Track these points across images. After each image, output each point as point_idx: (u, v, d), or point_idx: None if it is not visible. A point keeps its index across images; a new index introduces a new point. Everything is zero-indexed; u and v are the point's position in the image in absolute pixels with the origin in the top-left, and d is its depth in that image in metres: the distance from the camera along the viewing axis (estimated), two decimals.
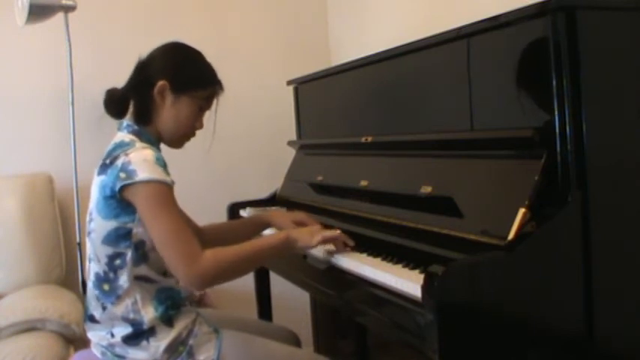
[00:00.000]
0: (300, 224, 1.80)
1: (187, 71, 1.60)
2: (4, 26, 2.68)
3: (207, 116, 1.66)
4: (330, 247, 1.64)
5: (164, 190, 1.44)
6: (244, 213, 2.36)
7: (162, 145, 1.63)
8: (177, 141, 1.63)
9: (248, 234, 1.90)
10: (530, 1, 1.34)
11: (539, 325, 1.24)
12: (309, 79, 2.44)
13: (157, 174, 1.43)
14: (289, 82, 2.59)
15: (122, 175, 1.42)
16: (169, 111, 1.57)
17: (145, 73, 1.58)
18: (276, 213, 1.93)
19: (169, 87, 1.56)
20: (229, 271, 1.50)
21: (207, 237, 1.76)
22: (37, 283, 2.52)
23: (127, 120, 1.59)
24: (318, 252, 1.66)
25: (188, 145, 1.69)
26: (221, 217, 2.41)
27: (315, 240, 1.58)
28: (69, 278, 2.64)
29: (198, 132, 1.66)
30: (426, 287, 1.19)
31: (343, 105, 2.22)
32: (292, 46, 3.17)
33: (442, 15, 2.30)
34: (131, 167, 1.42)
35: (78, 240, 2.57)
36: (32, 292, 2.42)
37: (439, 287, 1.15)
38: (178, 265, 1.43)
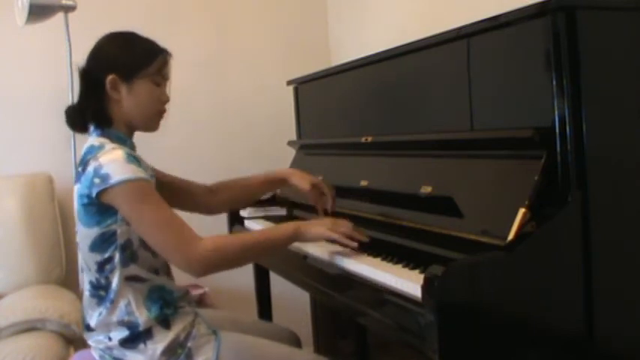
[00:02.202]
0: (317, 188, 1.84)
1: (129, 55, 1.55)
2: (4, 26, 2.68)
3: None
4: (336, 247, 1.63)
5: (142, 185, 1.42)
6: (244, 213, 2.36)
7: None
8: (150, 124, 1.58)
9: (263, 191, 1.94)
10: (530, 1, 1.34)
11: (539, 325, 1.24)
12: (309, 79, 2.44)
13: (131, 172, 1.41)
14: (289, 82, 2.59)
15: (96, 180, 1.40)
16: (128, 100, 1.52)
17: (90, 77, 1.54)
18: (295, 172, 1.89)
19: (119, 78, 1.52)
20: (230, 260, 1.49)
21: (219, 195, 1.81)
22: (37, 283, 2.52)
23: (92, 125, 1.55)
24: (323, 254, 1.65)
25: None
26: (221, 216, 2.40)
27: (329, 234, 1.54)
28: (69, 278, 2.64)
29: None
30: (426, 287, 1.19)
31: (343, 105, 2.22)
32: (292, 46, 3.17)
33: (442, 15, 2.30)
34: (103, 171, 1.40)
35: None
36: (32, 292, 2.42)
37: (439, 287, 1.15)
38: (174, 250, 1.41)
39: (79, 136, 2.57)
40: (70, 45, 2.55)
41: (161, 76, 1.57)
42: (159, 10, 2.95)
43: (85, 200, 1.43)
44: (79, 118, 1.56)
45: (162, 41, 1.65)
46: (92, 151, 1.46)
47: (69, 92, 2.57)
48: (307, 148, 2.44)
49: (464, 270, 1.19)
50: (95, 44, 1.59)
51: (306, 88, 2.53)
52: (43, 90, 2.77)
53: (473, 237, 1.36)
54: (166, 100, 1.59)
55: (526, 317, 1.23)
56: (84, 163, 1.45)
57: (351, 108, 2.17)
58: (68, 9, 2.52)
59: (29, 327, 2.19)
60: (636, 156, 1.36)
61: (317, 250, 1.68)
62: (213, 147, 3.01)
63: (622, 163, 1.34)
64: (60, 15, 2.53)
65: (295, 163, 2.46)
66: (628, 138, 1.35)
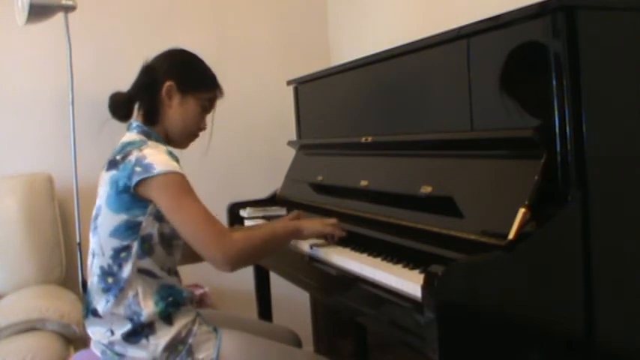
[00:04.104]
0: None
1: (192, 72, 1.66)
2: (4, 26, 2.68)
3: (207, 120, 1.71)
4: (319, 240, 1.70)
5: (182, 179, 1.49)
6: (244, 213, 2.36)
7: None
8: (184, 140, 1.68)
9: None
10: (530, 1, 1.34)
11: (539, 325, 1.24)
12: (309, 79, 2.44)
13: (172, 166, 1.48)
14: (289, 82, 2.59)
15: (138, 169, 1.45)
16: (176, 110, 1.62)
17: (152, 75, 1.63)
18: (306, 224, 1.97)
19: (176, 87, 1.61)
20: (257, 252, 1.58)
21: None
22: (37, 283, 2.52)
23: (135, 121, 1.62)
24: (323, 254, 1.66)
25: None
26: (221, 217, 2.40)
27: (324, 229, 1.68)
28: (69, 278, 2.64)
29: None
30: (426, 287, 1.19)
31: (343, 105, 2.22)
32: (292, 46, 3.17)
33: (442, 15, 2.30)
34: (147, 161, 1.46)
35: (78, 240, 2.57)
36: (32, 292, 2.42)
37: (439, 287, 1.15)
38: (212, 245, 1.46)
39: (79, 136, 2.59)
40: (70, 45, 2.55)
41: (209, 105, 1.68)
42: (159, 10, 2.95)
43: (121, 187, 1.47)
44: (125, 107, 1.62)
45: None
46: (135, 144, 1.52)
47: (69, 92, 2.58)
48: (307, 148, 2.44)
49: (464, 270, 1.19)
50: (167, 51, 1.67)
51: (306, 88, 2.53)
52: (43, 90, 2.77)
53: (473, 237, 1.36)
54: (204, 128, 1.70)
55: (526, 317, 1.24)
56: (124, 153, 1.50)
57: (351, 108, 2.17)
58: (68, 9, 2.52)
59: (29, 327, 2.19)
60: (636, 156, 1.35)
61: (317, 251, 1.68)
62: (213, 147, 3.00)
63: (622, 163, 1.34)
64: (60, 15, 2.53)
65: (295, 163, 2.46)
66: (628, 138, 1.35)
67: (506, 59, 1.44)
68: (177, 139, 1.66)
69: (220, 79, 1.69)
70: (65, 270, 2.64)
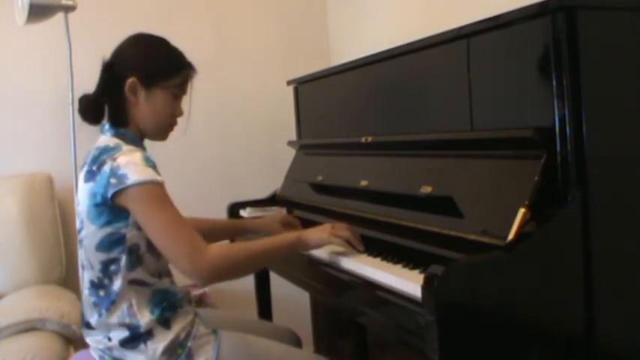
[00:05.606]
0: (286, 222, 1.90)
1: (154, 63, 1.55)
2: (4, 26, 2.68)
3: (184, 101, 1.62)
4: (338, 248, 1.63)
5: (157, 189, 1.42)
6: (244, 213, 2.36)
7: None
8: (161, 133, 1.60)
9: (228, 233, 1.97)
10: (530, 1, 1.34)
11: (539, 325, 1.24)
12: (309, 79, 2.44)
13: (147, 175, 1.41)
14: (289, 82, 2.59)
15: (113, 180, 1.40)
16: (145, 106, 1.53)
17: (112, 73, 1.54)
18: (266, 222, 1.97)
19: (139, 82, 1.52)
20: (236, 267, 1.49)
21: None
22: (37, 283, 2.52)
23: (107, 123, 1.55)
24: (323, 254, 1.65)
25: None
26: (221, 217, 2.41)
27: (331, 239, 1.57)
28: (69, 278, 2.64)
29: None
30: (426, 287, 1.19)
31: (343, 105, 2.22)
32: (292, 46, 3.17)
33: (442, 15, 2.30)
34: (121, 172, 1.40)
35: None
36: (32, 292, 2.42)
37: (439, 287, 1.15)
38: (183, 258, 1.40)
39: (79, 136, 2.59)
40: (70, 45, 2.55)
41: (181, 90, 1.58)
42: (159, 10, 2.94)
43: (99, 200, 1.42)
44: (93, 109, 1.54)
45: None
46: (108, 151, 1.45)
47: (69, 92, 2.57)
48: (307, 148, 2.44)
49: (464, 270, 1.19)
50: (124, 41, 1.58)
51: (306, 88, 2.53)
52: (43, 90, 2.77)
53: (473, 237, 1.36)
54: (180, 114, 1.60)
55: (526, 317, 1.24)
56: (99, 162, 1.44)
57: (351, 108, 2.17)
58: (68, 9, 2.52)
59: (29, 327, 2.19)
60: (636, 156, 1.36)
61: (317, 251, 1.68)
62: (214, 147, 3.01)
63: (622, 163, 1.34)
64: (60, 15, 2.53)
65: (295, 163, 2.46)
66: (628, 138, 1.35)
67: (506, 59, 1.44)
68: (153, 134, 1.58)
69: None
70: (65, 270, 2.64)
